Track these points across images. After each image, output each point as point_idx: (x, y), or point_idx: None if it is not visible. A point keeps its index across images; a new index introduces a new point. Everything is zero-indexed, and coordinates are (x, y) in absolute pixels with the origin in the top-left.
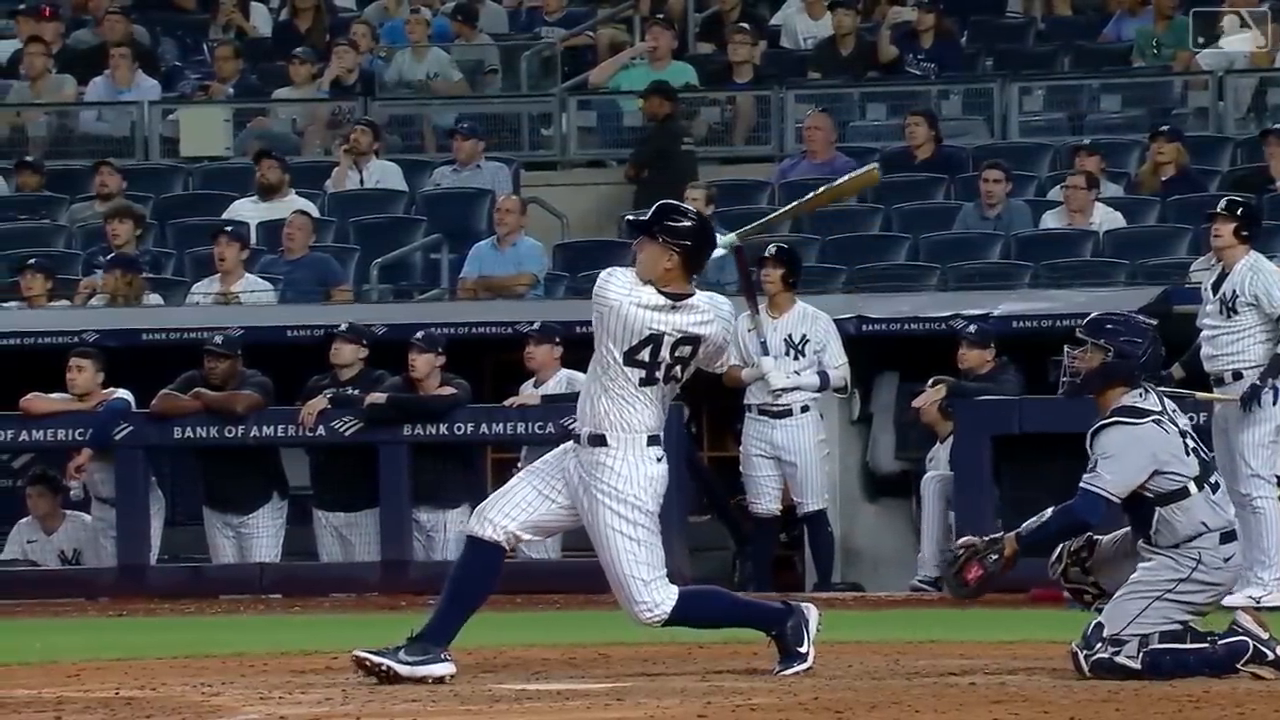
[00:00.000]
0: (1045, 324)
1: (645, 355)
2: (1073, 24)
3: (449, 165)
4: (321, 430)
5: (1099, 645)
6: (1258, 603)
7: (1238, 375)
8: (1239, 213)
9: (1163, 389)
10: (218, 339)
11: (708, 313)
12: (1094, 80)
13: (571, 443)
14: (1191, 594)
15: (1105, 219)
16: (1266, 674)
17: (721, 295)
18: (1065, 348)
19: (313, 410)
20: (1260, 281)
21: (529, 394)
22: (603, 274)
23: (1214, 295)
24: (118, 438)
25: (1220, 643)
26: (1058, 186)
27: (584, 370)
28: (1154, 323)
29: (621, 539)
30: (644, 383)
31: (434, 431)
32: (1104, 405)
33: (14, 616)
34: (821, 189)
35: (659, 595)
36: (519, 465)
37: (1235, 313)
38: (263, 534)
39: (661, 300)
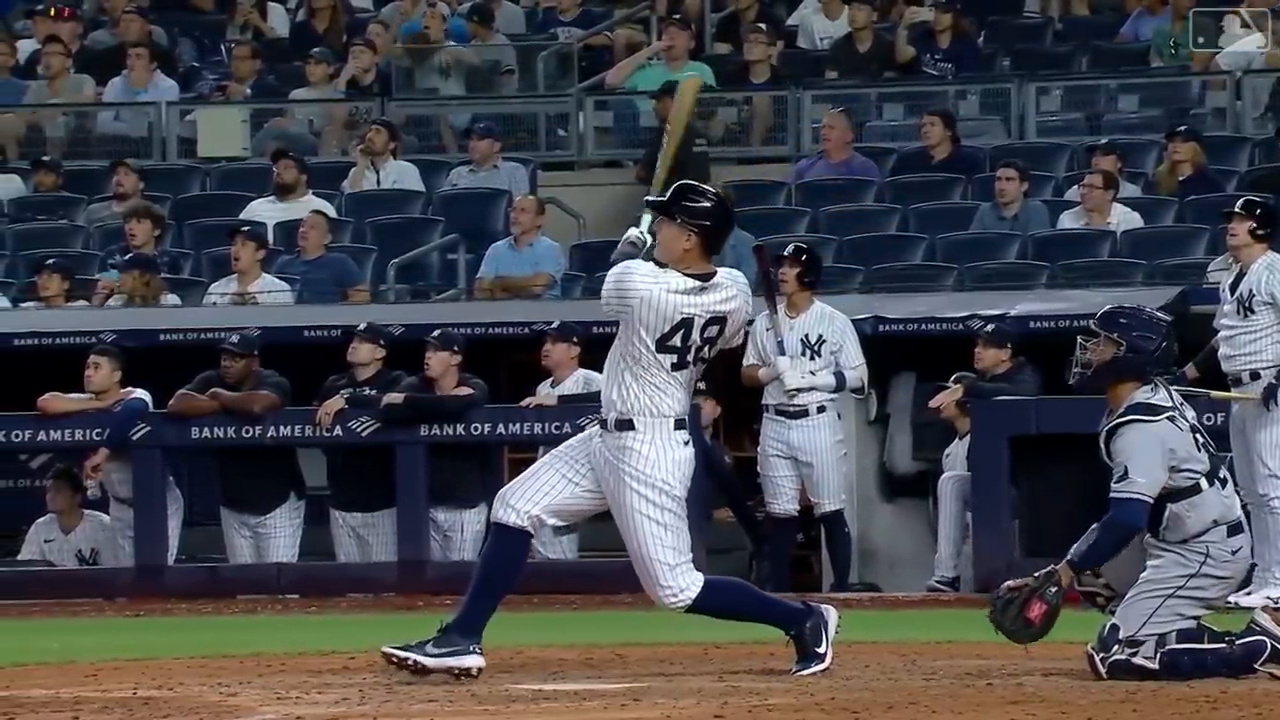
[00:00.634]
0: (1062, 324)
1: (677, 340)
2: (1090, 24)
3: (466, 166)
4: (339, 430)
5: (1115, 647)
6: (1276, 603)
7: (1255, 375)
8: (1256, 212)
9: (1176, 388)
10: (234, 338)
11: (731, 289)
12: (1111, 80)
13: (596, 428)
14: (1203, 589)
15: (1123, 219)
16: None
17: (737, 271)
18: (1078, 338)
19: (330, 410)
20: (1277, 280)
21: (545, 394)
22: (617, 269)
23: (1231, 295)
24: (135, 438)
25: (1238, 643)
26: (1075, 187)
27: (601, 371)
28: (1168, 318)
29: (648, 523)
30: (675, 367)
31: (451, 432)
32: (1115, 399)
33: (32, 617)
34: (668, 126)
35: (684, 580)
36: None
37: (1252, 312)
38: (280, 534)
39: (690, 283)
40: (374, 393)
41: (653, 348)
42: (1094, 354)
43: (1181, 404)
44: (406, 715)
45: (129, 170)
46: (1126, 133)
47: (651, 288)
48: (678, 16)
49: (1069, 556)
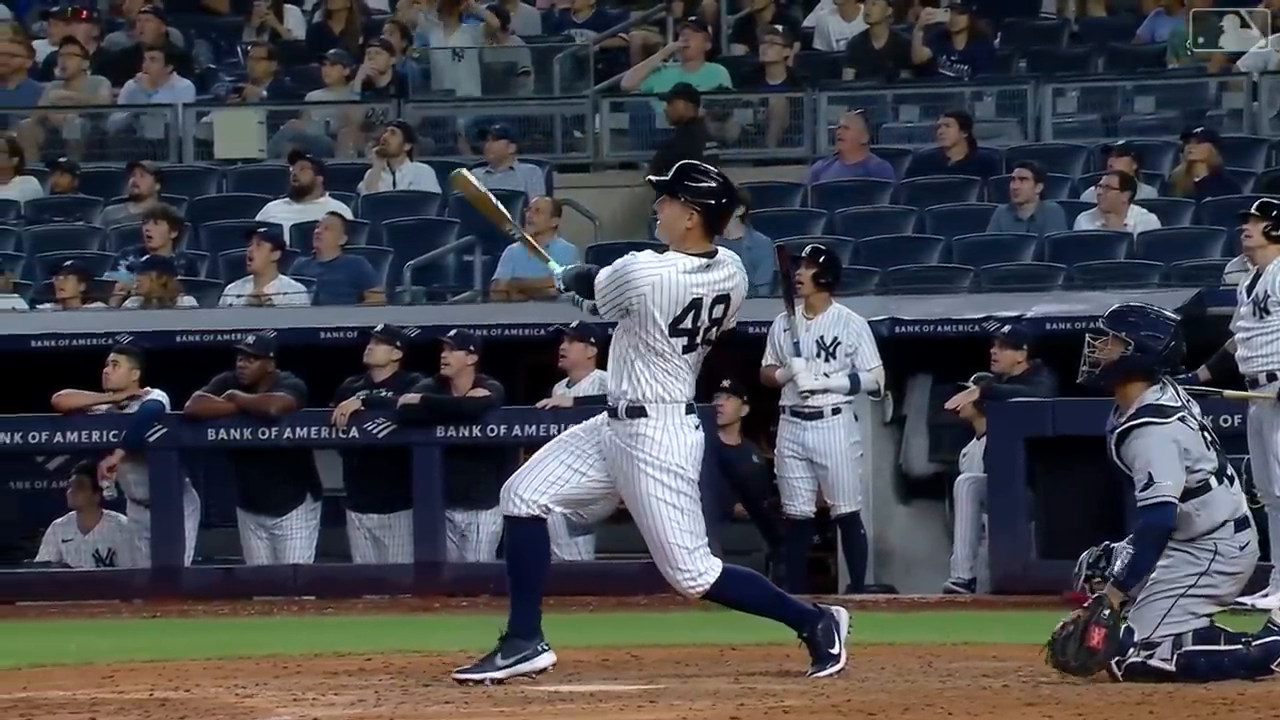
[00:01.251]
0: (1079, 326)
1: (689, 322)
2: (1107, 25)
3: (482, 167)
4: (355, 432)
5: (1131, 650)
6: None
7: (1272, 376)
8: (1272, 214)
9: (1188, 389)
10: (249, 339)
11: (732, 266)
12: (1128, 82)
13: (605, 416)
14: (1214, 586)
15: (1139, 221)
16: None
17: (732, 251)
18: (1086, 338)
19: (345, 411)
20: None
21: (561, 395)
22: (622, 261)
23: (1247, 297)
24: (152, 439)
25: (1255, 644)
26: (1091, 188)
27: None
28: (1176, 317)
29: (665, 507)
30: (686, 350)
31: (467, 434)
32: (1124, 398)
33: (49, 618)
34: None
35: (702, 564)
36: None
37: (1268, 313)
38: (296, 535)
39: (696, 262)
40: (390, 394)
41: (666, 332)
42: (1102, 353)
43: (1189, 401)
44: (423, 717)
45: (145, 172)
46: (1143, 134)
47: (661, 271)
48: (694, 18)
49: (1112, 578)
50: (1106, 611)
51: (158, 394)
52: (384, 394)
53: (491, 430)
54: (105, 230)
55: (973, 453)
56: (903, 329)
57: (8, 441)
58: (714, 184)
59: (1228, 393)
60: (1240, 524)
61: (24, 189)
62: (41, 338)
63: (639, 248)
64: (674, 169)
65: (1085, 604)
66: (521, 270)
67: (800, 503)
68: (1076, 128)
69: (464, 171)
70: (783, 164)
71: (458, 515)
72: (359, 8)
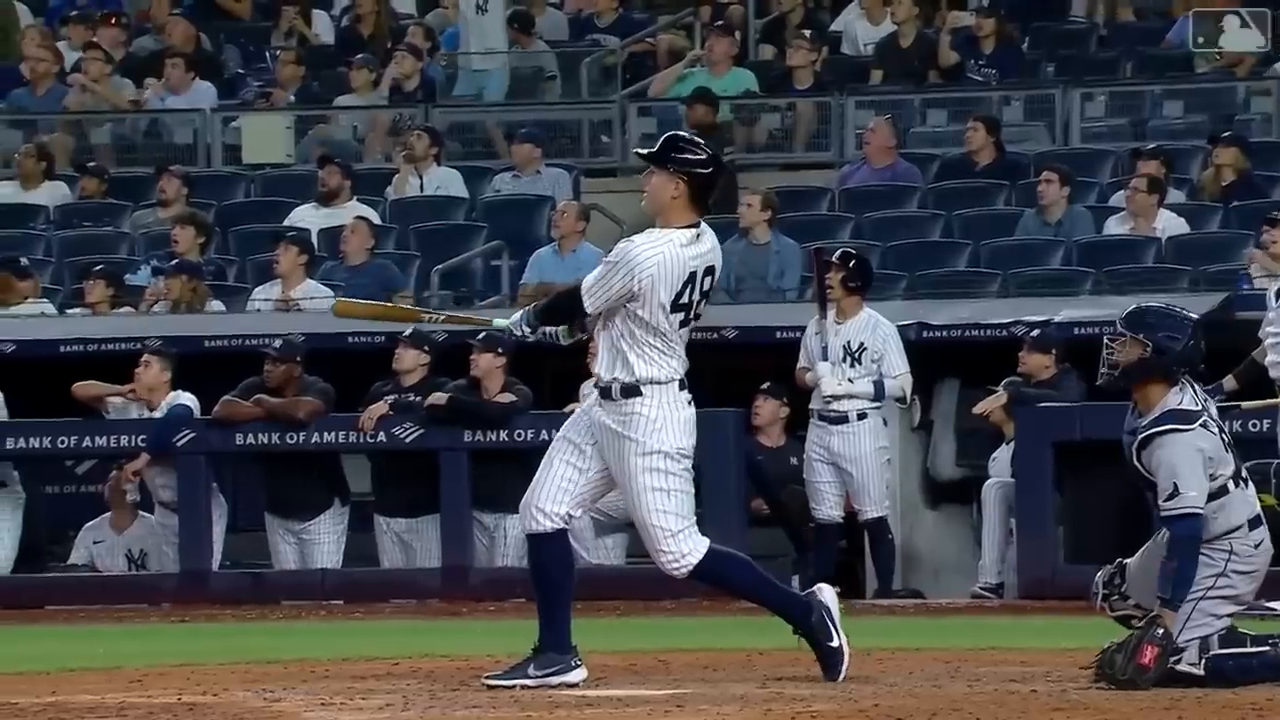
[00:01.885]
0: (1107, 331)
1: (686, 297)
2: (1135, 29)
3: (509, 171)
4: (382, 436)
5: None
6: None
7: None
8: None
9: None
10: (276, 343)
11: (713, 237)
12: (1156, 86)
13: (595, 397)
14: (1232, 586)
15: (1168, 225)
16: None
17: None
18: (1105, 339)
19: (372, 415)
20: None
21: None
22: (619, 250)
23: (1276, 303)
24: (180, 444)
25: None
26: (1120, 192)
27: None
28: (1195, 316)
29: (651, 492)
30: (683, 324)
31: (494, 438)
32: (1144, 400)
33: (77, 622)
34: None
35: (685, 545)
36: None
37: None
38: (324, 540)
39: (687, 235)
40: (418, 398)
41: (668, 309)
42: (1121, 354)
43: (1206, 401)
44: None
45: (173, 177)
46: (1171, 138)
47: (662, 249)
48: (720, 23)
49: (1161, 600)
50: (1160, 631)
51: (186, 398)
52: (412, 398)
53: (519, 435)
54: (134, 235)
55: (1002, 458)
56: (930, 334)
57: (37, 446)
58: (702, 155)
59: (1246, 404)
60: (1254, 523)
61: (53, 194)
62: (70, 342)
63: None
64: (661, 140)
65: (1137, 624)
66: (549, 275)
67: (827, 507)
68: (1105, 132)
69: (341, 300)
70: (810, 168)
71: (486, 517)
72: (387, 12)
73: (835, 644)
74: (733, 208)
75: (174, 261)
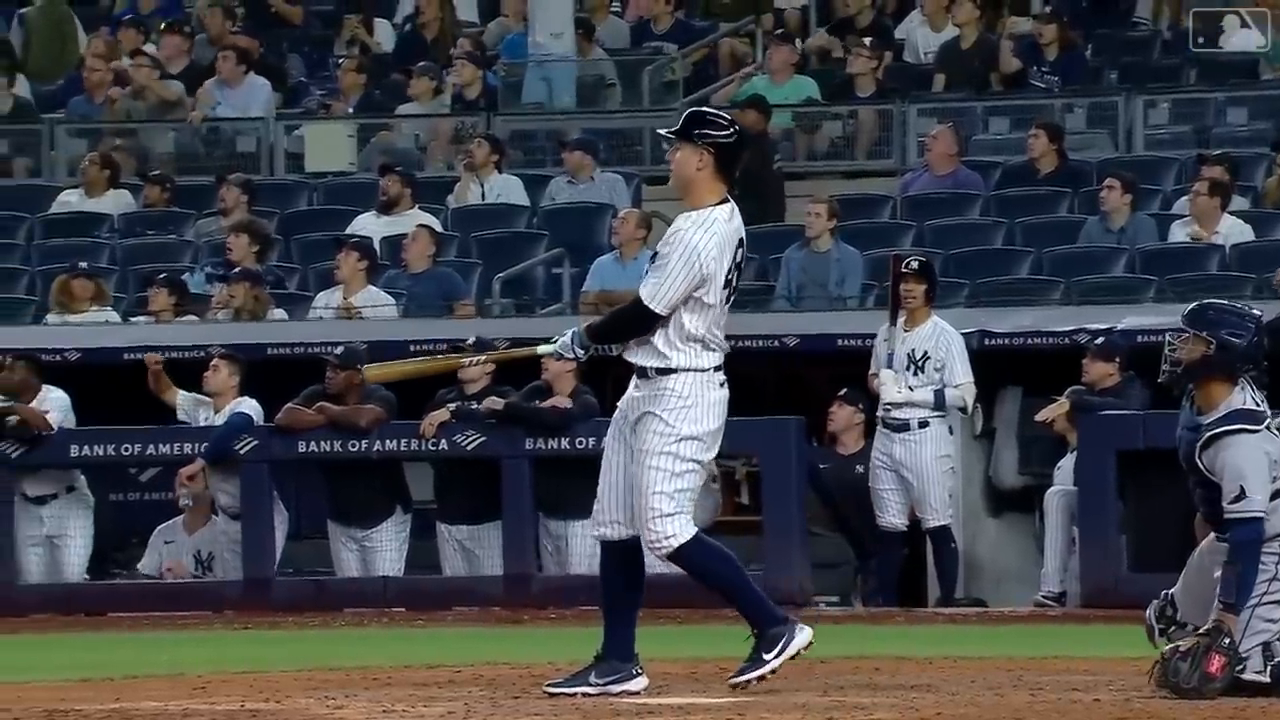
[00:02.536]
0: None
1: (732, 273)
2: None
3: (564, 177)
4: (444, 444)
5: None
6: None
7: None
8: None
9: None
10: (337, 351)
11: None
12: (1220, 93)
13: (634, 380)
14: None
15: (1232, 232)
16: None
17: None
18: (1167, 336)
19: (433, 422)
20: None
21: None
22: (676, 244)
23: None
24: (242, 451)
25: None
26: (1183, 198)
27: None
28: (1259, 313)
29: (658, 470)
30: (727, 300)
31: (555, 445)
32: (1205, 398)
33: (141, 629)
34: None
35: (673, 528)
36: None
37: None
38: (386, 547)
39: (725, 209)
40: (480, 406)
41: (721, 285)
42: (1183, 352)
43: (1262, 401)
44: None
45: (232, 185)
46: (1235, 146)
47: (714, 228)
48: (780, 31)
49: (1224, 604)
50: (1227, 640)
51: (248, 405)
52: (474, 406)
53: (580, 442)
54: (197, 243)
55: (1067, 466)
56: (992, 341)
57: (102, 453)
58: (726, 126)
59: None
60: None
61: (118, 202)
62: (134, 350)
63: None
64: (685, 115)
65: (1199, 631)
66: (610, 282)
67: (890, 515)
68: (1168, 139)
69: (369, 367)
70: (872, 176)
71: (553, 524)
72: (450, 19)
73: (768, 657)
74: (781, 214)
75: (236, 269)
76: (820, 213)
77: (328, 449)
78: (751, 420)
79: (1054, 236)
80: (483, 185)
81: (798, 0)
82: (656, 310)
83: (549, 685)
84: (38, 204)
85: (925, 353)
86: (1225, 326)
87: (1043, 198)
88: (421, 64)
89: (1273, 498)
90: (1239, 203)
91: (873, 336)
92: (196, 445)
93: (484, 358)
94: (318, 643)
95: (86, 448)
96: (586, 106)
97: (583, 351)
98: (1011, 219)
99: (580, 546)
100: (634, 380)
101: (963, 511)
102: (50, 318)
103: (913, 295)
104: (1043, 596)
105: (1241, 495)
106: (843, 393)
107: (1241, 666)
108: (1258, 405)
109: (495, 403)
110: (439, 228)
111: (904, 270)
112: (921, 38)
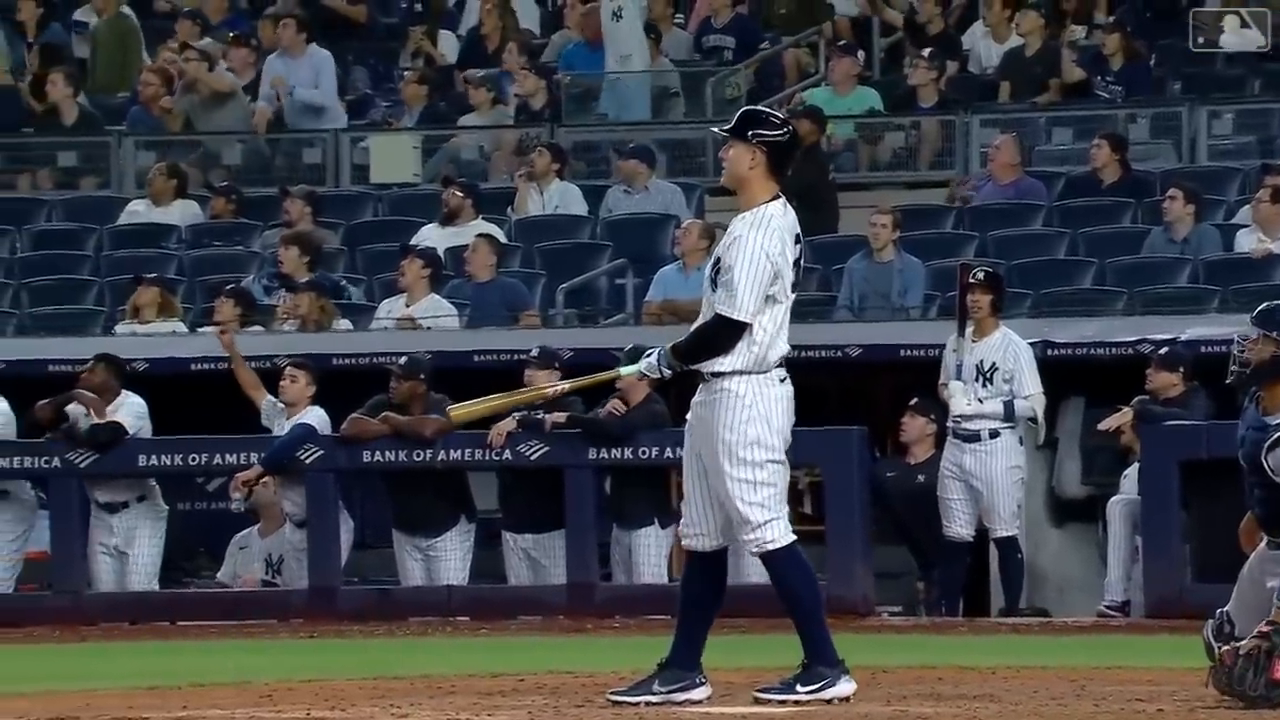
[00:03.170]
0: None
1: (796, 268)
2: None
3: (620, 186)
4: (508, 454)
5: None
6: None
7: None
8: None
9: None
10: (400, 360)
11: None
12: None
13: (700, 385)
14: None
15: None
16: None
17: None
18: (1235, 337)
19: (501, 432)
20: None
21: None
22: (745, 249)
23: None
24: (308, 461)
25: None
26: (1245, 208)
27: None
28: None
29: (737, 482)
30: (791, 291)
31: (619, 455)
32: (1272, 399)
33: (208, 637)
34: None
35: (770, 534)
36: None
37: None
38: (451, 556)
39: (780, 204)
40: (544, 416)
41: (787, 284)
42: (1252, 353)
43: None
44: None
45: (295, 197)
46: None
47: (773, 224)
48: (843, 43)
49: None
50: None
51: (314, 415)
52: (539, 416)
53: (644, 452)
54: (263, 254)
55: (1132, 476)
56: (1056, 352)
57: (169, 463)
58: (779, 125)
59: None
60: None
61: (185, 213)
62: (201, 360)
63: None
64: (738, 114)
65: (1259, 632)
66: (674, 292)
67: (958, 525)
68: (1232, 150)
69: (453, 409)
70: (934, 186)
71: (621, 534)
72: (513, 30)
73: (799, 693)
74: (834, 224)
75: (305, 280)
76: (885, 223)
77: (392, 459)
78: (814, 430)
79: (1117, 247)
80: (542, 194)
81: (855, 10)
82: (741, 319)
83: (612, 694)
84: (107, 215)
85: (994, 364)
86: None
87: (1106, 208)
88: (478, 74)
89: None
90: None
91: (936, 347)
92: (261, 455)
93: (567, 386)
94: (382, 651)
95: (155, 457)
96: (651, 117)
97: (669, 372)
98: (1075, 229)
99: (646, 556)
100: (700, 383)
101: (1026, 521)
102: (119, 328)
103: (979, 305)
104: (1106, 606)
105: None
106: (914, 403)
107: None
108: None
109: (558, 417)
110: (503, 239)
111: (971, 280)
112: (984, 49)
